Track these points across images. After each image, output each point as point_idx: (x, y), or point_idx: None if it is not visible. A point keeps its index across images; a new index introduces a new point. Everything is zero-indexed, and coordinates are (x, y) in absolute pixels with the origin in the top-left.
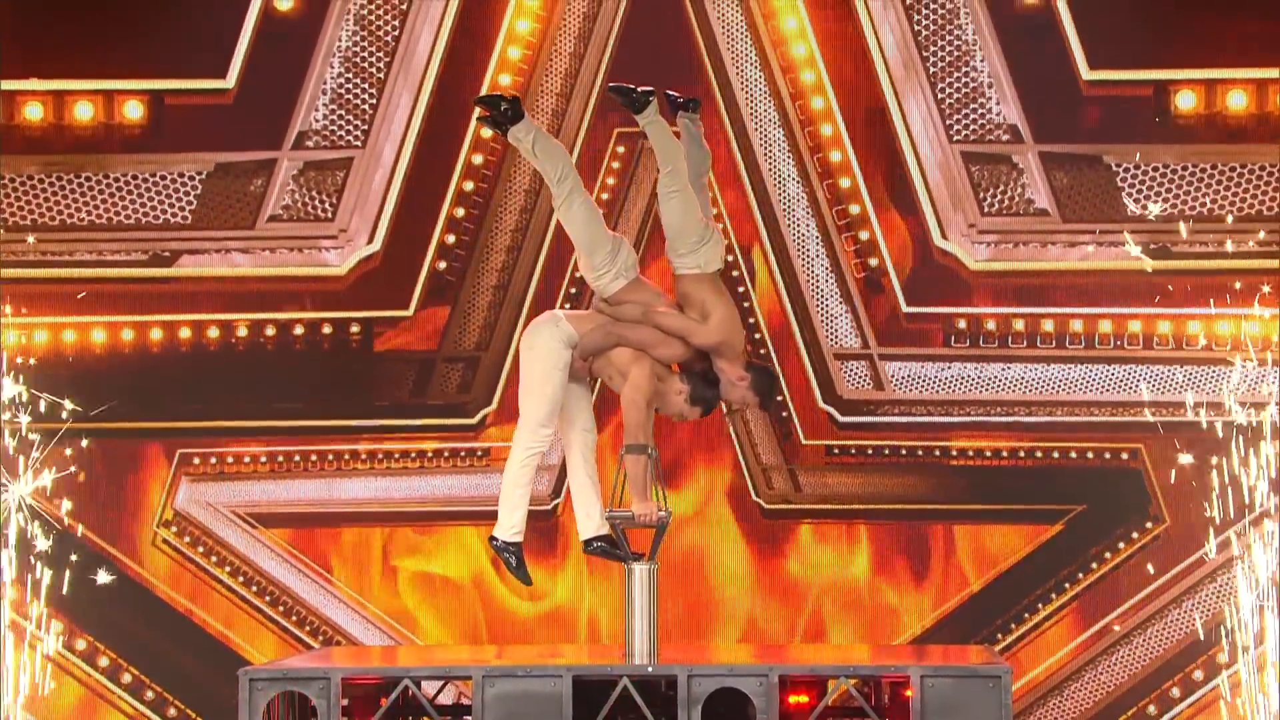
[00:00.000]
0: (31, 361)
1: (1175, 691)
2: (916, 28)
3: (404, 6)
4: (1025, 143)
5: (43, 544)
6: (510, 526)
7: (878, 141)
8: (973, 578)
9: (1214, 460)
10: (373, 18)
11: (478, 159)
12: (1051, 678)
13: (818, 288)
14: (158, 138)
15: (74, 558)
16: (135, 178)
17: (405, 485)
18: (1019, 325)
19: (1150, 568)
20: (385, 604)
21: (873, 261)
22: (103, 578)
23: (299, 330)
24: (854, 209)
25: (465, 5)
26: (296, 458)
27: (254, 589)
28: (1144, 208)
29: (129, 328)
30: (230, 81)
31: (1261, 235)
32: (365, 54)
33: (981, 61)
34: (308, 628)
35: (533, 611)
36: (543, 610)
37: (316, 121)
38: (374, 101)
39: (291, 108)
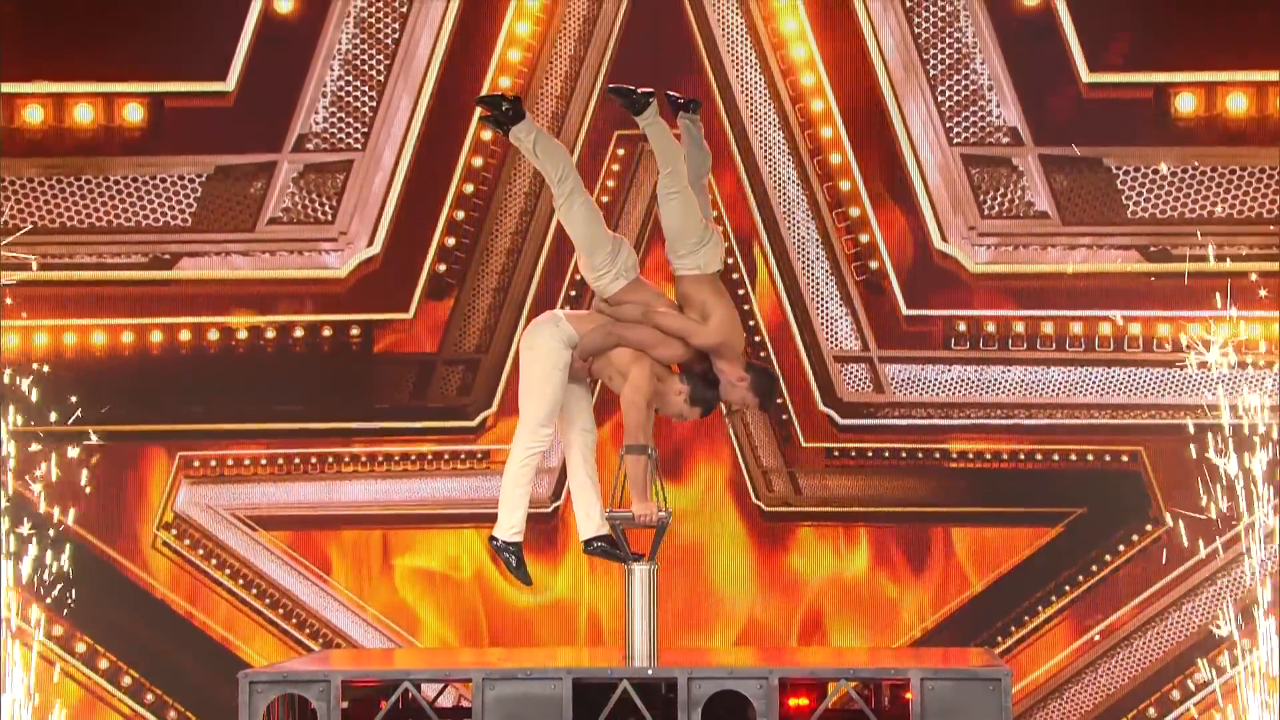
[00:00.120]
0: (32, 364)
1: (1175, 694)
2: (916, 30)
3: (404, 9)
4: (1025, 145)
5: (43, 545)
6: (510, 526)
7: (878, 144)
8: (973, 580)
9: (1214, 462)
10: (373, 20)
11: (478, 161)
12: (1051, 680)
13: (818, 290)
14: (158, 140)
15: (74, 560)
16: (135, 180)
17: (405, 487)
18: (1019, 328)
19: (1150, 570)
20: (385, 600)
21: (873, 264)
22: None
23: (299, 332)
24: (854, 211)
25: (465, 8)
26: (296, 460)
27: (254, 591)
28: (1144, 210)
29: (129, 330)
30: (230, 84)
31: (1261, 238)
32: (365, 56)
33: (981, 64)
34: (308, 630)
35: (533, 605)
36: (543, 604)
37: (316, 124)
38: (374, 104)
39: (291, 110)
